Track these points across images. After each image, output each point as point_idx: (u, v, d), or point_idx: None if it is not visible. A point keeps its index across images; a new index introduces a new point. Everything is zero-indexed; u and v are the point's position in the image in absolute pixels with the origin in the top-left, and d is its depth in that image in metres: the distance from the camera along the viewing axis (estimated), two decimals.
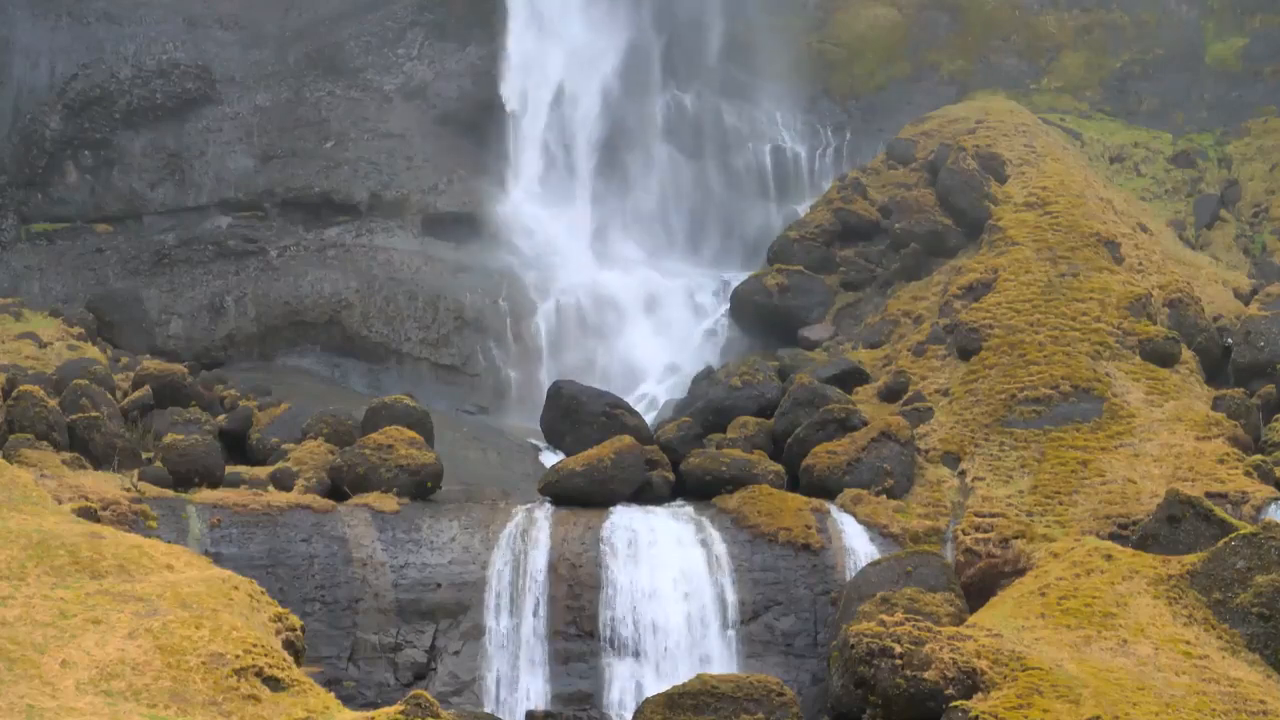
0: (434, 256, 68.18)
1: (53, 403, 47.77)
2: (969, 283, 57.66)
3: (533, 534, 46.20)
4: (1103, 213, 60.93)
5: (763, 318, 63.42)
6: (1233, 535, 41.09)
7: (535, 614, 45.16)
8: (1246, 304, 59.79)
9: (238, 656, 32.12)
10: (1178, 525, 43.69)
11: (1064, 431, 50.38)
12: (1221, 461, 48.61)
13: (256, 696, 31.54)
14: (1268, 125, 73.38)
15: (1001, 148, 64.87)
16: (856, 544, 46.83)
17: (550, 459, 54.65)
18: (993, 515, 47.63)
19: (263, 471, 48.22)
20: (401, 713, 31.52)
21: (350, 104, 70.90)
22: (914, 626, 37.80)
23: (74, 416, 47.79)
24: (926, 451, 50.94)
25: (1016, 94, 75.18)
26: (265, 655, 32.54)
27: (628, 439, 49.38)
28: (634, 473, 48.82)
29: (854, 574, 45.47)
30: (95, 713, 29.92)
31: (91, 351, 58.31)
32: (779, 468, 49.88)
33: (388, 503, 46.79)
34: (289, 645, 35.13)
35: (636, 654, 44.80)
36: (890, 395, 54.44)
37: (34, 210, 68.68)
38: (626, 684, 44.44)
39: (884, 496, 48.72)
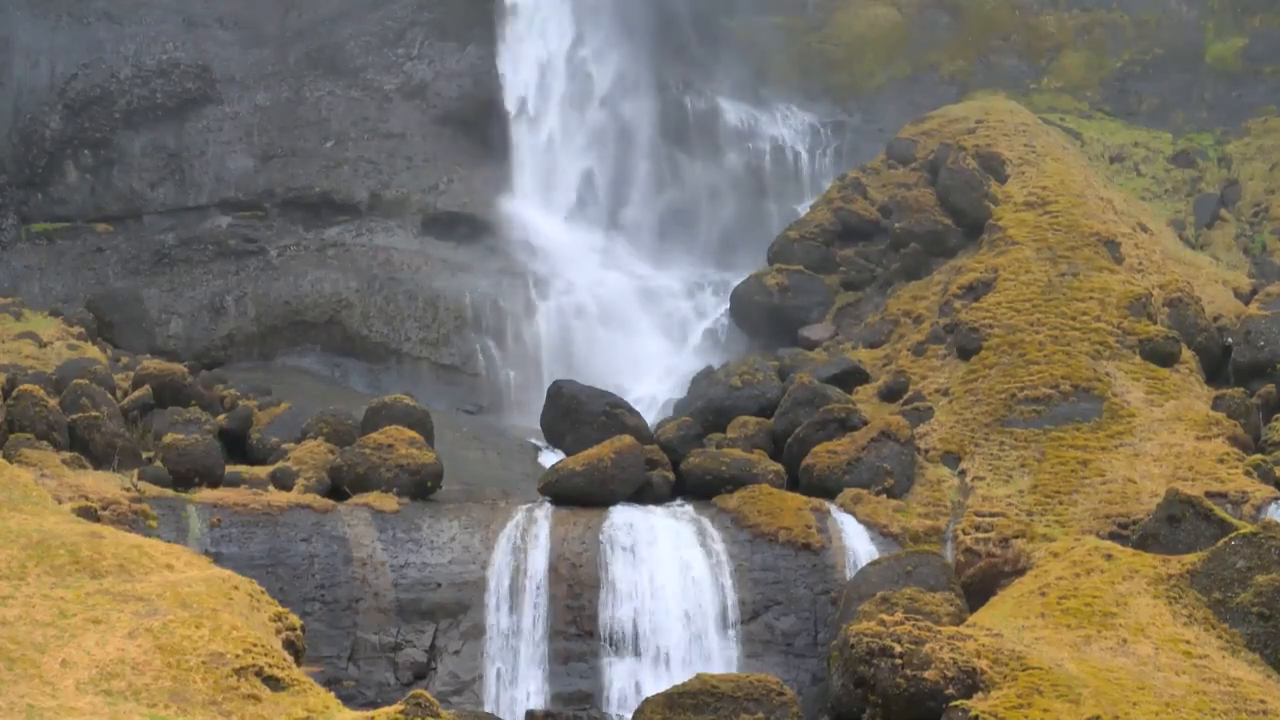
0: (434, 256, 68.21)
1: (53, 402, 47.77)
2: (969, 282, 57.67)
3: (533, 534, 46.20)
4: (1103, 212, 60.94)
5: (763, 318, 63.41)
6: (1233, 535, 41.08)
7: (535, 614, 45.16)
8: (1246, 304, 59.78)
9: (238, 656, 32.11)
10: (1178, 525, 43.68)
11: (1064, 431, 50.38)
12: (1221, 461, 48.61)
13: (256, 696, 31.54)
14: (1268, 125, 73.42)
15: (1001, 148, 64.87)
16: (856, 544, 46.83)
17: (550, 459, 54.65)
18: (993, 515, 47.63)
19: (263, 471, 48.22)
20: (401, 712, 31.52)
21: (350, 104, 70.94)
22: (914, 626, 37.79)
23: (74, 416, 47.78)
24: (926, 451, 50.95)
25: (1016, 94, 75.21)
26: (265, 655, 32.54)
27: (628, 439, 49.37)
28: (634, 472, 48.80)
29: (854, 574, 45.46)
30: (95, 712, 29.92)
31: (91, 351, 58.32)
32: (779, 467, 49.87)
33: (388, 502, 46.79)
34: (289, 645, 35.12)
35: (636, 654, 44.81)
36: (890, 395, 54.44)
37: (34, 210, 68.72)
38: (626, 684, 44.43)
39: (884, 496, 48.71)
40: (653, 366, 66.64)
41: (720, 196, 73.46)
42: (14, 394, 47.43)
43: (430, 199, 69.68)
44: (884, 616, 38.90)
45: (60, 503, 41.66)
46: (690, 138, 74.44)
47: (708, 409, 53.87)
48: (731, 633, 45.31)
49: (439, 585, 45.41)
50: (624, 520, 46.79)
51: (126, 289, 65.77)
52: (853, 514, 47.85)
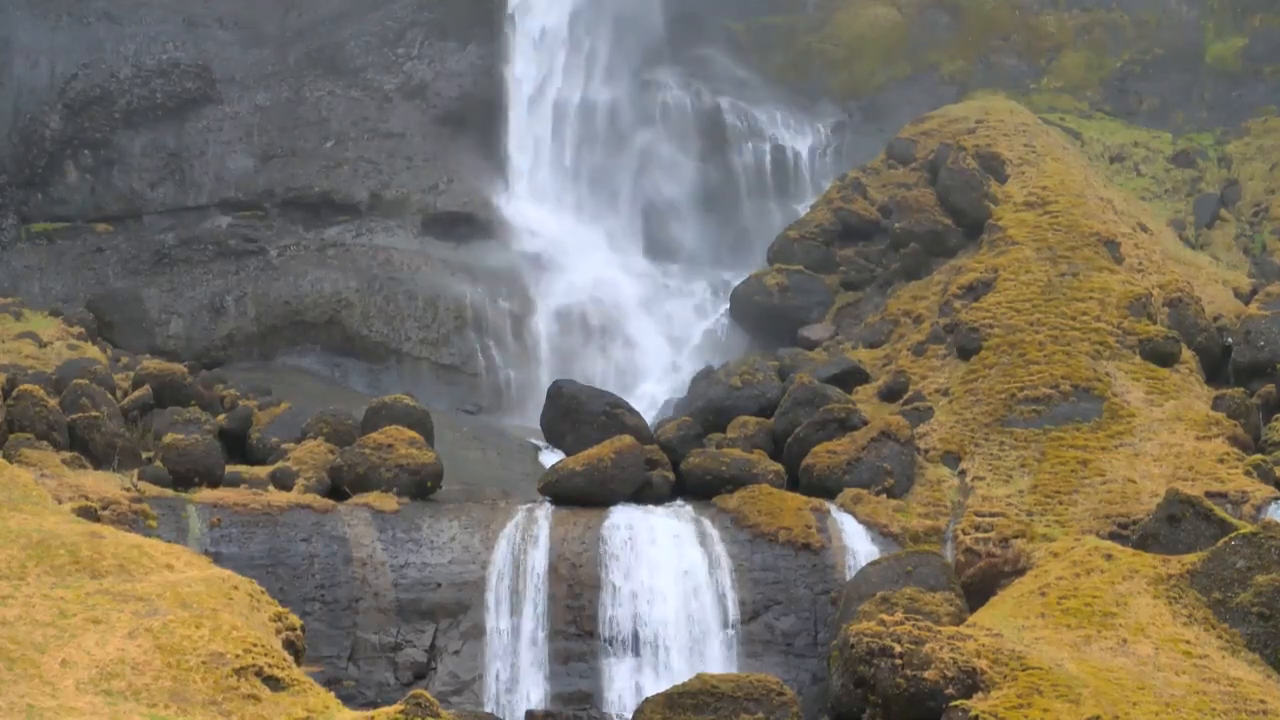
0: (434, 256, 68.22)
1: (53, 402, 47.77)
2: (969, 282, 57.66)
3: (533, 534, 46.20)
4: (1103, 212, 60.93)
5: (763, 318, 63.42)
6: (1233, 535, 41.09)
7: (535, 614, 45.16)
8: (1246, 304, 59.76)
9: (238, 656, 32.13)
10: (1178, 525, 43.68)
11: (1064, 431, 50.38)
12: (1221, 461, 48.61)
13: (256, 696, 31.55)
14: (1268, 125, 73.41)
15: (1001, 147, 64.86)
16: (856, 544, 46.83)
17: (550, 459, 54.65)
18: (993, 515, 47.62)
19: (263, 471, 48.22)
20: (401, 712, 31.53)
21: (350, 104, 70.94)
22: (914, 626, 37.79)
23: (74, 416, 47.78)
24: (926, 451, 50.94)
25: (1016, 94, 75.19)
26: (265, 655, 32.55)
27: (628, 439, 49.37)
28: (634, 472, 48.80)
29: (854, 574, 45.46)
30: (95, 712, 29.92)
31: (91, 351, 58.34)
32: (779, 467, 49.88)
33: (388, 502, 46.79)
34: (289, 645, 35.13)
35: (636, 654, 44.80)
36: (890, 395, 54.44)
37: (34, 210, 68.73)
38: (626, 684, 44.43)
39: (884, 496, 48.71)
40: (653, 366, 66.67)
41: (720, 196, 73.44)
42: (14, 394, 47.43)
43: (430, 199, 69.68)
44: (884, 616, 38.90)
45: (60, 503, 41.67)
46: (690, 137, 74.44)
47: (708, 409, 53.87)
48: (731, 633, 45.31)
49: (439, 585, 45.41)
50: (624, 520, 46.79)
51: (126, 289, 65.78)
52: (853, 514, 47.85)
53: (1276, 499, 46.67)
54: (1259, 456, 49.18)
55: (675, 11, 77.51)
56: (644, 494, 48.87)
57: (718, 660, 44.66)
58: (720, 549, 46.35)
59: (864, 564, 45.60)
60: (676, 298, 69.53)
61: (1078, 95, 77.01)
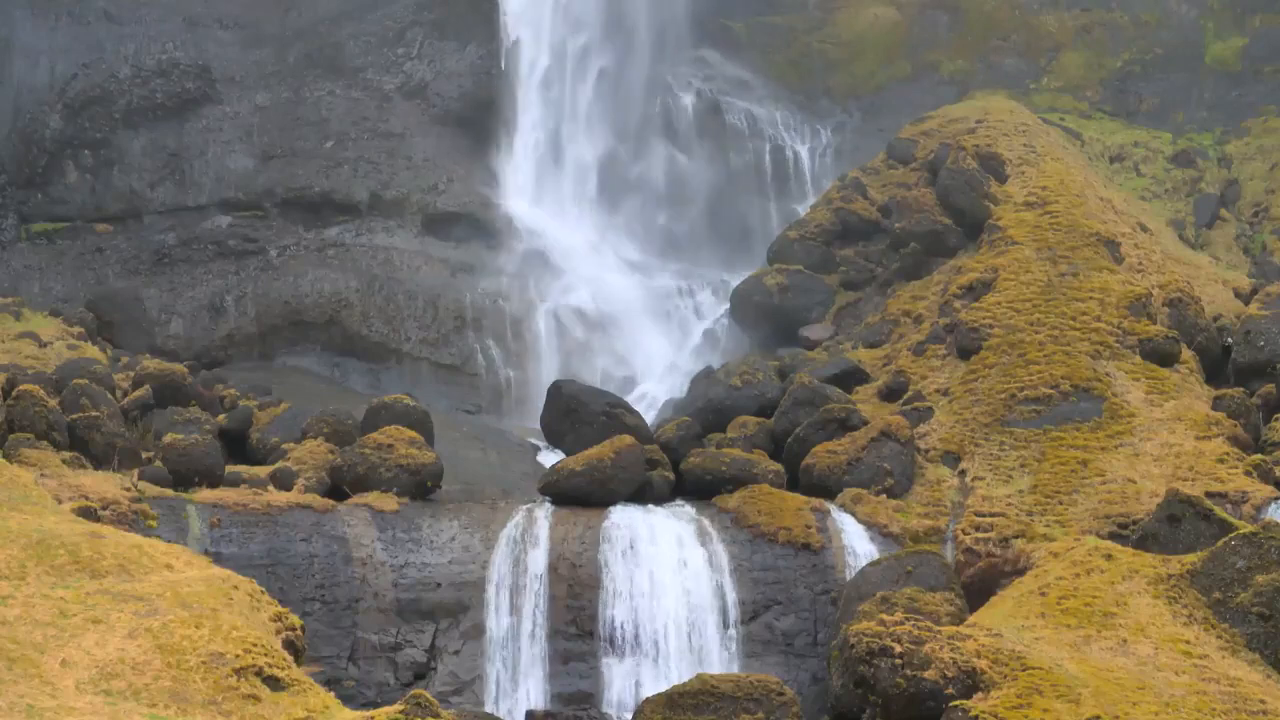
0: (434, 256, 68.24)
1: (53, 402, 47.77)
2: (969, 282, 57.65)
3: (533, 533, 46.21)
4: (1103, 212, 60.94)
5: (763, 318, 63.40)
6: (1233, 535, 41.09)
7: (535, 614, 45.16)
8: (1246, 304, 59.75)
9: (238, 656, 32.14)
10: (1178, 525, 43.69)
11: (1064, 431, 50.38)
12: (1221, 461, 48.61)
13: (256, 696, 31.56)
14: (1268, 125, 73.40)
15: (1001, 147, 64.86)
16: (856, 543, 46.84)
17: (550, 459, 54.66)
18: (993, 515, 47.63)
19: (263, 471, 48.22)
20: (401, 712, 31.54)
21: (350, 104, 70.94)
22: (914, 626, 37.79)
23: (74, 416, 47.78)
24: (926, 451, 50.94)
25: (1016, 94, 75.19)
26: (265, 655, 32.56)
27: (628, 438, 49.36)
28: (634, 472, 48.80)
29: (854, 573, 45.48)
30: (95, 712, 29.93)
31: (91, 351, 58.35)
32: (779, 467, 49.88)
33: (388, 502, 46.79)
34: (289, 645, 35.14)
35: (636, 654, 44.80)
36: (890, 395, 54.44)
37: (34, 210, 68.74)
38: (626, 684, 44.44)
39: (884, 496, 48.72)
40: (653, 366, 66.66)
41: (720, 196, 73.44)
42: (14, 394, 47.43)
43: (430, 199, 69.70)
44: (884, 616, 38.90)
45: (60, 503, 41.68)
46: (690, 137, 74.47)
47: (708, 409, 53.89)
48: (731, 632, 45.31)
49: (439, 585, 45.42)
50: (624, 520, 46.79)
51: (126, 289, 65.79)
52: (853, 514, 47.85)
53: (1276, 499, 46.67)
54: (1259, 456, 49.18)
55: (675, 10, 77.50)
56: (644, 494, 48.87)
57: (718, 660, 44.67)
58: (720, 549, 46.36)
59: (864, 564, 45.60)
60: (676, 298, 69.51)
61: (1078, 95, 77.01)
